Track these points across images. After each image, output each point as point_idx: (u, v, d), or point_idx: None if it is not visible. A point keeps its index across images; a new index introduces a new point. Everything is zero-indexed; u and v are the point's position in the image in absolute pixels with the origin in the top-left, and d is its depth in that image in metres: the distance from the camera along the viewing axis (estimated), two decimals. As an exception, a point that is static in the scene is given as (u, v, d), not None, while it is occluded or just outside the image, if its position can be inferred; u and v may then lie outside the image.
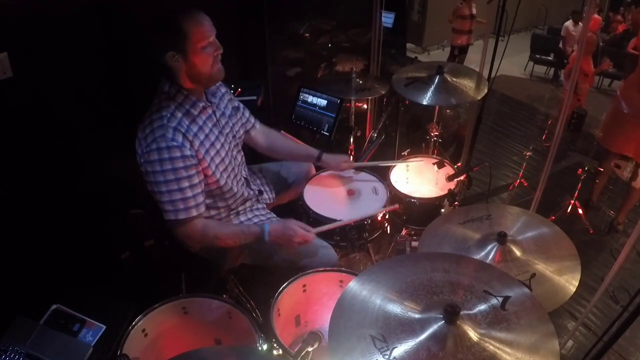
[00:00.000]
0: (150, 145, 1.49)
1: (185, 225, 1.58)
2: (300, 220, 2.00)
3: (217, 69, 1.58)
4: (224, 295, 1.81)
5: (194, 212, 1.57)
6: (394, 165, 2.36)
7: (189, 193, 1.55)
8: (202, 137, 1.60)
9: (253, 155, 2.08)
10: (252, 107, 2.58)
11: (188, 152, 1.52)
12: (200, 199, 1.59)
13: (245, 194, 1.84)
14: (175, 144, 1.49)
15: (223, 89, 1.82)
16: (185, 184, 1.53)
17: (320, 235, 1.89)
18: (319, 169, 2.23)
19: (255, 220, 1.86)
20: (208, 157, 1.61)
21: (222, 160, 1.68)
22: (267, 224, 1.70)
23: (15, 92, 1.83)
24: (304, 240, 1.68)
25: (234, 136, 1.80)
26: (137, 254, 2.34)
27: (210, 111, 1.67)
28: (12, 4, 1.70)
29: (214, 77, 1.60)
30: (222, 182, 1.68)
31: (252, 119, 1.98)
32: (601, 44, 6.63)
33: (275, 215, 1.94)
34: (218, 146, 1.66)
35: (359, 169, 2.18)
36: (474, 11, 6.18)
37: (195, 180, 1.56)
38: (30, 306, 1.55)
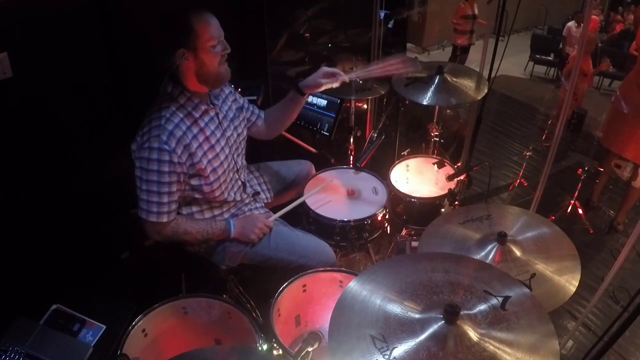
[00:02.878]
0: (144, 143, 1.51)
1: (154, 226, 1.60)
2: (300, 220, 2.00)
3: (224, 69, 1.59)
4: (224, 295, 1.81)
5: (165, 219, 1.58)
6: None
7: (165, 199, 1.56)
8: (201, 139, 1.60)
9: (252, 154, 2.08)
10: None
11: (176, 159, 1.52)
12: (174, 206, 1.61)
13: (238, 198, 1.83)
14: (167, 147, 1.49)
15: (227, 90, 1.81)
16: (165, 189, 1.54)
17: (320, 234, 1.90)
18: (319, 168, 2.22)
19: None
20: (205, 160, 1.61)
21: (221, 164, 1.68)
22: (231, 219, 1.74)
23: (15, 92, 1.83)
24: (264, 226, 1.75)
25: (235, 140, 1.79)
26: (137, 254, 2.34)
27: (212, 113, 1.67)
28: (12, 4, 1.70)
29: (221, 77, 1.60)
30: (215, 186, 1.67)
31: (257, 110, 1.96)
32: (600, 44, 6.64)
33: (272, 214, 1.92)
34: (218, 149, 1.66)
35: (359, 169, 2.19)
36: (476, 11, 6.23)
37: (174, 188, 1.57)
38: (30, 306, 1.55)
